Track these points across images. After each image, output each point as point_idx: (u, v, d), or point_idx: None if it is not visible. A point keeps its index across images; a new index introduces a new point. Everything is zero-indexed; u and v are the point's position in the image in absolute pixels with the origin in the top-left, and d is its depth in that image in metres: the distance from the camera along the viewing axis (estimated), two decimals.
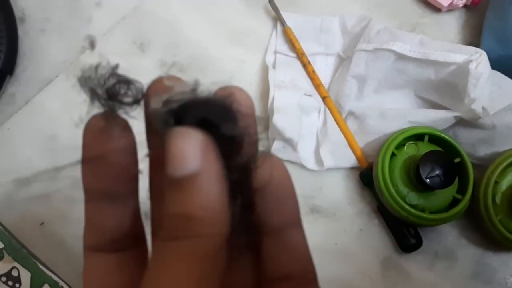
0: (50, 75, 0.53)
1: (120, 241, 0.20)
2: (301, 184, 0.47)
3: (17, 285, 0.29)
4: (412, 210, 0.41)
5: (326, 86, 0.49)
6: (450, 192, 0.42)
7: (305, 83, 0.49)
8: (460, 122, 0.44)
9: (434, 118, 0.44)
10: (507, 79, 0.43)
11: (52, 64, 0.54)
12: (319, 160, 0.46)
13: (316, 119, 0.48)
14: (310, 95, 0.48)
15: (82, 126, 0.20)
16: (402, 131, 0.43)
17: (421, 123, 0.44)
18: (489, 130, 0.43)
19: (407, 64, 0.44)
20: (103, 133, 0.18)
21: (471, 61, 0.41)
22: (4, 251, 0.32)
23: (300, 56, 0.49)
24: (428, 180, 0.40)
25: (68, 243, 0.46)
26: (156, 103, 0.17)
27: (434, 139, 0.43)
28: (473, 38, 0.49)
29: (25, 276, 0.31)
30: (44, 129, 0.51)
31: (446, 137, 0.43)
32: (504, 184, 0.41)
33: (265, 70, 0.50)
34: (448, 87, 0.44)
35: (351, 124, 0.47)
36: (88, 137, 0.19)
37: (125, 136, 0.19)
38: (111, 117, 0.18)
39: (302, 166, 0.47)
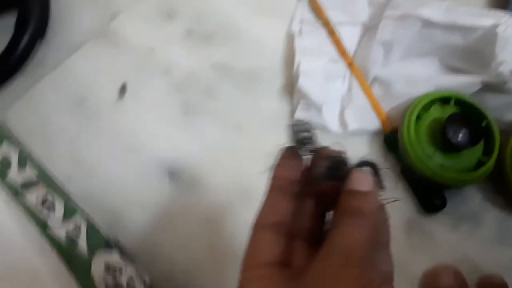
0: (80, 41, 0.54)
1: (284, 226, 0.27)
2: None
3: (51, 210, 0.30)
4: (438, 170, 0.41)
5: (350, 54, 0.50)
6: (475, 154, 0.43)
7: (330, 50, 0.49)
8: (487, 88, 0.44)
9: (460, 83, 0.44)
10: None
11: (82, 30, 0.55)
12: (343, 123, 0.47)
13: (341, 86, 0.48)
14: (335, 61, 0.48)
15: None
16: (429, 94, 0.44)
17: (447, 88, 0.44)
18: None
19: (434, 30, 0.45)
20: (294, 155, 0.31)
21: (499, 24, 0.42)
22: (38, 181, 0.33)
23: (326, 25, 0.50)
24: (454, 139, 0.40)
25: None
26: (321, 167, 0.29)
27: (460, 103, 0.44)
28: (500, 3, 0.50)
29: (58, 205, 0.32)
30: (73, 92, 0.52)
31: (472, 100, 0.43)
32: None
33: (290, 39, 0.51)
34: (475, 53, 0.44)
35: (376, 90, 0.48)
36: (285, 154, 0.31)
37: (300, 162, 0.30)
38: (298, 150, 0.31)
39: (325, 130, 0.47)
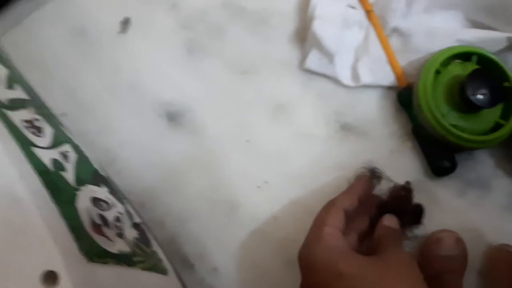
0: None
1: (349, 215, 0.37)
2: (334, 100, 0.45)
3: (39, 134, 0.28)
4: (452, 129, 0.39)
5: (370, 1, 0.46)
6: (493, 116, 0.40)
7: None
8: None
9: (485, 39, 0.41)
10: None
11: None
12: (355, 76, 0.44)
13: (357, 34, 0.45)
14: (354, 7, 0.45)
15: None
16: (449, 48, 0.41)
17: (470, 43, 0.41)
18: None
19: None
20: (368, 181, 0.39)
21: None
22: (28, 103, 0.31)
23: None
24: (473, 97, 0.38)
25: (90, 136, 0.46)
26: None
27: (483, 60, 0.41)
28: None
29: (48, 130, 0.30)
30: (73, 23, 0.49)
31: (496, 59, 0.40)
32: None
33: None
34: (503, 8, 0.41)
35: (394, 42, 0.44)
36: (362, 179, 0.40)
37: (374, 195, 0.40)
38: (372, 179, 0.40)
39: (336, 81, 0.45)
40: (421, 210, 0.40)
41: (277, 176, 0.43)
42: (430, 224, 0.40)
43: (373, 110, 0.44)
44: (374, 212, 0.38)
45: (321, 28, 0.43)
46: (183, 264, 0.42)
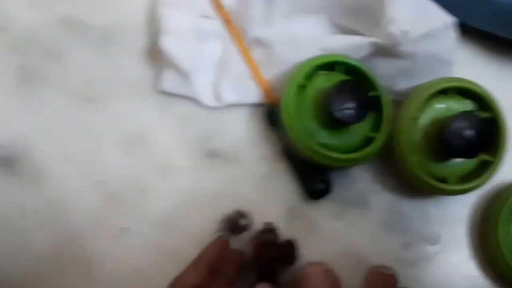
0: None
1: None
2: (197, 124, 0.39)
3: None
4: (320, 149, 0.35)
5: (227, 9, 0.41)
6: (363, 130, 0.37)
7: (204, 3, 0.41)
8: (379, 52, 0.38)
9: (348, 45, 0.38)
10: (430, 2, 0.38)
11: None
12: (218, 94, 0.39)
13: (216, 47, 0.40)
14: (208, 17, 0.40)
15: None
16: (312, 59, 0.37)
17: (334, 51, 0.38)
18: (409, 59, 0.37)
19: None
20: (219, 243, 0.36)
21: None
22: None
23: None
24: (338, 113, 0.34)
25: None
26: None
27: (349, 69, 0.37)
28: None
29: None
30: None
31: (361, 66, 0.37)
32: (422, 121, 0.36)
33: None
34: (364, 10, 0.38)
35: (257, 53, 0.40)
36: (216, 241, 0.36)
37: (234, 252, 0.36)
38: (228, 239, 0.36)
39: (197, 102, 0.39)
40: (292, 248, 0.36)
41: (137, 220, 0.38)
42: (309, 252, 0.37)
43: (241, 131, 0.40)
44: (235, 277, 0.34)
45: (170, 44, 0.37)
46: None
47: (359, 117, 0.35)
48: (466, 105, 0.37)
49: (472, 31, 0.41)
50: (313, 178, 0.37)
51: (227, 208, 0.38)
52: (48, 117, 0.39)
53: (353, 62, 0.37)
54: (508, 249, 0.36)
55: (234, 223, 0.36)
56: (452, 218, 0.39)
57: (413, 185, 0.37)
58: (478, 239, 0.39)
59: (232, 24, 0.40)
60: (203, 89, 0.39)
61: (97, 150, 0.39)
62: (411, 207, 0.39)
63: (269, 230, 0.36)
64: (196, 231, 0.37)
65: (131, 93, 0.40)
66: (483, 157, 0.36)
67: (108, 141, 0.39)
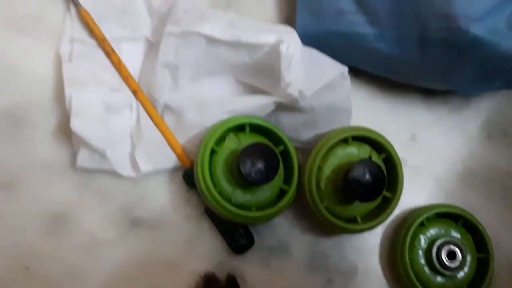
0: None
1: None
2: (119, 195, 0.40)
3: None
4: (238, 211, 0.37)
5: (136, 77, 0.42)
6: (276, 183, 0.40)
7: (111, 76, 0.41)
8: (282, 107, 0.41)
9: (253, 105, 0.40)
10: (323, 56, 0.41)
11: None
12: (135, 165, 0.40)
13: (128, 117, 0.41)
14: (117, 91, 0.41)
15: None
16: (222, 123, 0.39)
17: (241, 112, 0.40)
18: (309, 113, 0.40)
19: (219, 48, 0.40)
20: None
21: (282, 41, 0.38)
22: None
23: (102, 43, 0.42)
24: (249, 176, 0.37)
25: None
26: None
27: (256, 128, 0.40)
28: (291, 11, 0.46)
29: None
30: None
31: (267, 125, 0.40)
32: (327, 169, 0.40)
33: (61, 63, 0.42)
34: (265, 70, 0.40)
35: (169, 120, 0.41)
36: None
37: None
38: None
39: (117, 176, 0.40)
40: (233, 279, 0.39)
41: None
42: None
43: (162, 196, 0.41)
44: None
45: (81, 126, 0.38)
46: None
47: (269, 177, 0.37)
48: (364, 150, 0.41)
49: (366, 73, 0.45)
50: (235, 234, 0.40)
51: (158, 274, 0.40)
52: None
53: (259, 122, 0.40)
54: (414, 272, 0.41)
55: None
56: (365, 249, 0.43)
57: (326, 227, 0.41)
58: (388, 265, 0.43)
59: (142, 94, 0.41)
60: (120, 161, 0.40)
61: (20, 236, 0.38)
62: (329, 245, 0.42)
63: (209, 277, 0.39)
64: None
65: (48, 173, 0.40)
66: (385, 194, 0.40)
67: (30, 225, 0.39)
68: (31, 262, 0.38)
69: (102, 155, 0.39)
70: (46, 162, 0.40)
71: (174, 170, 0.41)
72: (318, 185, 0.39)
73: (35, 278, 0.38)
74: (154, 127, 0.41)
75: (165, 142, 0.41)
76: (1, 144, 0.40)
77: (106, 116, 0.40)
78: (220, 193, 0.38)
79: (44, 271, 0.38)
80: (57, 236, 0.39)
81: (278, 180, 0.40)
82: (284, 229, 0.42)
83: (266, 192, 0.39)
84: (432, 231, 0.42)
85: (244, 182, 0.37)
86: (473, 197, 0.44)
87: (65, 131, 0.40)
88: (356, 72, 0.43)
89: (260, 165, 0.37)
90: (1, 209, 0.39)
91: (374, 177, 0.38)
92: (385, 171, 0.39)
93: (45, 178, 0.40)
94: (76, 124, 0.38)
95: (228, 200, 0.38)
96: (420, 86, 0.44)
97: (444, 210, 0.42)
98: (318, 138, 0.41)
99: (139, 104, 0.41)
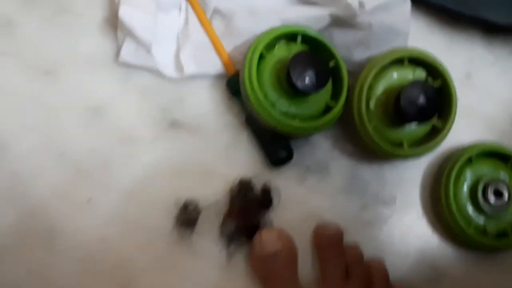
0: None
1: None
2: (159, 95, 0.40)
3: None
4: (282, 118, 0.36)
5: None
6: (323, 98, 0.38)
7: None
8: (337, 23, 0.39)
9: (308, 16, 0.38)
10: None
11: None
12: (179, 66, 0.39)
13: (177, 18, 0.40)
14: None
15: None
16: (273, 29, 0.38)
17: (294, 22, 0.38)
18: (366, 30, 0.38)
19: None
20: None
21: None
22: None
23: None
24: (299, 83, 0.35)
25: None
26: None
27: (308, 40, 0.38)
28: None
29: None
30: None
31: (320, 37, 0.38)
32: (378, 89, 0.38)
33: None
34: None
35: (217, 25, 0.40)
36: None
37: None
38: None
39: (159, 74, 0.39)
40: (268, 191, 0.39)
41: (101, 190, 0.38)
42: (273, 216, 0.38)
43: (203, 102, 0.40)
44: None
45: (129, 15, 0.37)
46: None
47: (318, 87, 0.36)
48: (419, 74, 0.39)
49: (425, 4, 0.43)
50: (275, 146, 0.39)
51: (191, 177, 0.39)
52: (5, 91, 0.38)
53: (313, 33, 0.38)
54: (457, 207, 0.39)
55: (188, 217, 0.38)
56: (406, 181, 0.41)
57: (370, 150, 0.39)
58: (430, 199, 0.41)
59: None
60: (164, 60, 0.39)
61: (59, 123, 0.38)
62: (369, 172, 0.41)
63: (245, 183, 0.38)
64: (160, 200, 0.38)
65: (90, 65, 0.39)
66: (434, 123, 0.39)
67: (68, 114, 0.38)
68: (66, 149, 0.38)
69: (147, 49, 0.38)
70: (90, 53, 0.39)
71: (217, 76, 0.40)
72: (367, 105, 0.38)
73: (68, 164, 0.37)
74: (202, 30, 0.40)
75: (212, 47, 0.40)
76: (48, 30, 0.39)
77: (155, 12, 0.39)
78: (265, 98, 0.37)
79: (77, 159, 0.38)
80: (94, 127, 0.38)
81: (325, 96, 0.38)
82: (324, 150, 0.40)
83: (311, 105, 0.38)
84: (479, 169, 0.40)
85: (292, 89, 0.36)
86: None
87: (111, 25, 0.40)
88: (415, 2, 0.41)
89: (310, 73, 0.36)
90: (43, 94, 0.38)
91: (428, 99, 0.36)
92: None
93: (87, 69, 0.39)
94: (125, 12, 0.37)
95: (273, 106, 0.37)
96: (482, 19, 0.42)
97: (493, 148, 0.40)
98: (370, 60, 0.40)
99: (189, 5, 0.40)
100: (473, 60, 0.43)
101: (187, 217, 0.38)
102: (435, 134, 0.39)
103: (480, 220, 0.39)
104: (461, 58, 0.43)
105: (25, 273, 0.36)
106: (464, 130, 0.42)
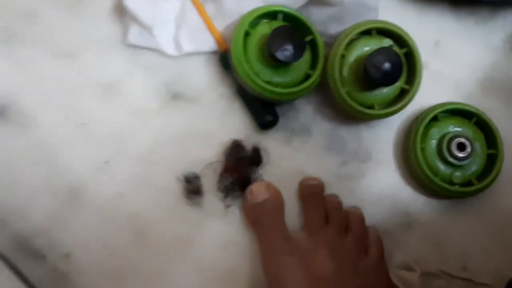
0: None
1: None
2: (162, 71, 0.46)
3: None
4: (266, 86, 0.42)
5: None
6: (302, 68, 0.44)
7: None
8: (313, 1, 0.44)
9: None
10: None
11: None
12: (178, 45, 0.45)
13: (174, 3, 0.46)
14: None
15: None
16: (256, 9, 0.43)
17: (275, 2, 0.44)
18: (338, 6, 0.44)
19: None
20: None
21: None
22: None
23: None
24: (279, 54, 0.41)
25: None
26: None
27: (288, 17, 0.44)
28: None
29: None
30: None
31: (298, 15, 0.43)
32: (350, 57, 0.43)
33: None
34: None
35: (210, 7, 0.46)
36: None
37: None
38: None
39: (161, 53, 0.45)
40: (258, 152, 0.45)
41: (117, 154, 0.44)
42: (262, 172, 0.44)
43: (200, 76, 0.46)
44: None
45: (132, 2, 0.43)
46: (34, 256, 0.42)
47: (296, 57, 0.41)
48: (386, 43, 0.44)
49: None
50: (263, 111, 0.44)
51: (193, 141, 0.45)
52: (31, 71, 0.45)
53: (292, 11, 0.44)
54: (424, 160, 0.44)
55: (192, 187, 0.44)
56: (381, 139, 0.46)
57: (346, 113, 0.45)
58: (402, 155, 0.46)
59: None
60: (165, 41, 0.45)
61: (78, 98, 0.45)
62: (347, 132, 0.46)
63: (237, 144, 0.44)
64: (168, 162, 0.44)
65: (102, 48, 0.46)
66: (402, 86, 0.44)
67: (85, 90, 0.45)
68: (85, 119, 0.44)
69: (150, 32, 0.44)
70: (101, 37, 0.46)
71: (211, 53, 0.46)
72: (340, 72, 0.43)
73: (87, 133, 0.44)
74: (197, 13, 0.46)
75: (205, 27, 0.46)
76: (67, 19, 0.46)
77: (156, 0, 0.45)
78: (251, 69, 0.42)
79: (96, 129, 0.44)
80: (109, 102, 0.45)
81: (304, 66, 0.44)
82: (307, 114, 0.46)
83: (292, 74, 0.44)
84: (445, 126, 0.45)
85: (273, 60, 0.41)
86: (489, 102, 0.47)
87: (119, 12, 0.46)
88: None
89: (288, 45, 0.41)
90: (64, 74, 0.45)
91: (392, 64, 0.41)
92: (404, 63, 0.43)
93: (99, 51, 0.45)
94: (130, 0, 0.43)
95: (258, 76, 0.42)
96: None
97: (458, 107, 0.45)
98: (342, 32, 0.45)
99: None
100: (441, 30, 0.48)
101: (192, 188, 0.44)
102: (403, 96, 0.44)
103: (447, 171, 0.44)
104: (431, 28, 0.48)
105: (53, 224, 0.43)
106: (433, 93, 0.47)
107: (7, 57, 0.45)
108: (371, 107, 0.44)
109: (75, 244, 0.43)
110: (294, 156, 0.45)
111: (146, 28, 0.44)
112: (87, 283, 0.42)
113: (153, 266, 0.43)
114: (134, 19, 0.44)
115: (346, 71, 0.43)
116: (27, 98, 0.44)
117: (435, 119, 0.45)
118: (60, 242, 0.43)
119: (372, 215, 0.45)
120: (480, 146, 0.45)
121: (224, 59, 0.45)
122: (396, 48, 0.44)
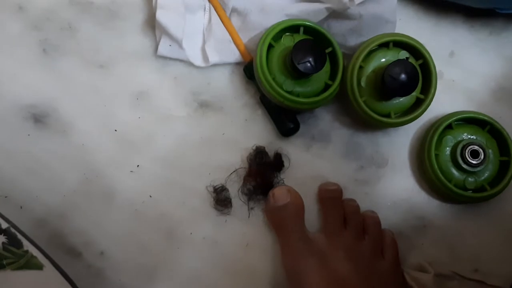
0: None
1: None
2: (190, 81, 0.49)
3: None
4: (288, 95, 0.44)
5: None
6: (322, 79, 0.46)
7: None
8: (333, 15, 0.47)
9: (308, 11, 0.46)
10: None
11: None
12: (205, 57, 0.48)
13: (202, 17, 0.49)
14: None
15: None
16: (279, 23, 0.46)
17: (297, 17, 0.47)
18: (357, 20, 0.46)
19: None
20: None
21: None
22: None
23: None
24: (300, 65, 0.43)
25: None
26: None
27: (309, 30, 0.46)
28: None
29: None
30: None
31: (319, 28, 0.46)
32: (368, 69, 0.46)
33: None
34: None
35: (235, 21, 0.49)
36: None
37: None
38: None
39: (189, 64, 0.48)
40: (279, 156, 0.47)
41: (147, 159, 0.47)
42: (284, 177, 0.47)
43: (225, 85, 0.49)
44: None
45: (164, 17, 0.46)
46: (71, 254, 0.46)
47: (316, 69, 0.44)
48: (402, 55, 0.46)
49: None
50: (285, 119, 0.47)
51: (219, 147, 0.48)
52: (69, 81, 0.48)
53: (313, 25, 0.46)
54: (439, 167, 0.46)
55: (222, 198, 0.47)
56: (397, 146, 0.49)
57: (363, 121, 0.47)
58: (417, 161, 0.49)
59: None
60: (193, 52, 0.48)
61: (112, 106, 0.48)
62: (364, 139, 0.49)
63: (260, 150, 0.47)
64: (193, 166, 0.47)
65: (135, 59, 0.49)
66: (418, 95, 0.46)
67: (118, 99, 0.48)
68: (119, 127, 0.47)
69: (179, 44, 0.47)
70: (134, 49, 0.49)
71: (236, 64, 0.49)
72: (359, 82, 0.45)
73: (120, 138, 0.47)
74: (223, 26, 0.48)
75: (231, 40, 0.48)
76: (102, 32, 0.49)
77: (184, 13, 0.48)
78: (274, 80, 0.45)
79: (127, 134, 0.48)
80: (140, 109, 0.48)
81: (324, 77, 0.46)
82: (326, 121, 0.48)
83: (313, 85, 0.46)
84: (459, 133, 0.47)
85: (295, 71, 0.44)
86: (502, 110, 0.49)
87: (150, 26, 0.49)
88: None
89: (309, 57, 0.44)
90: (99, 83, 0.48)
91: (408, 75, 0.43)
92: (420, 74, 0.45)
93: (132, 62, 0.49)
94: (161, 14, 0.46)
95: (280, 86, 0.45)
96: (462, 5, 0.48)
97: (472, 115, 0.47)
98: (361, 44, 0.47)
99: (212, 6, 0.49)
100: (456, 41, 0.50)
101: (222, 198, 0.47)
102: (419, 105, 0.46)
103: (461, 177, 0.47)
104: (446, 39, 0.50)
105: (89, 224, 0.46)
106: (448, 102, 0.49)
107: (48, 67, 0.48)
108: (387, 115, 0.46)
109: (109, 242, 0.46)
110: (313, 161, 0.48)
111: (176, 41, 0.47)
112: (120, 279, 0.45)
113: (181, 262, 0.46)
114: (165, 32, 0.47)
115: (364, 81, 0.46)
116: (65, 106, 0.47)
117: (449, 127, 0.47)
118: (95, 241, 0.46)
119: (388, 219, 0.47)
120: (493, 153, 0.47)
121: (248, 70, 0.48)
122: (412, 60, 0.46)
